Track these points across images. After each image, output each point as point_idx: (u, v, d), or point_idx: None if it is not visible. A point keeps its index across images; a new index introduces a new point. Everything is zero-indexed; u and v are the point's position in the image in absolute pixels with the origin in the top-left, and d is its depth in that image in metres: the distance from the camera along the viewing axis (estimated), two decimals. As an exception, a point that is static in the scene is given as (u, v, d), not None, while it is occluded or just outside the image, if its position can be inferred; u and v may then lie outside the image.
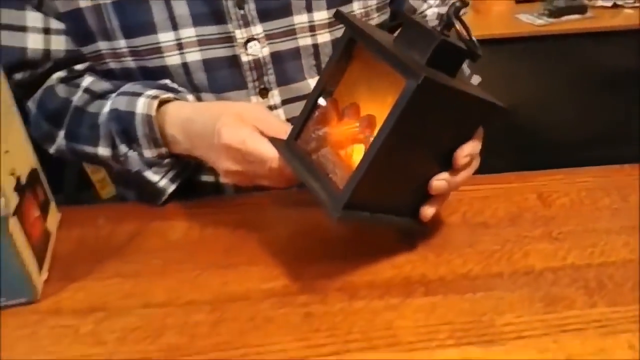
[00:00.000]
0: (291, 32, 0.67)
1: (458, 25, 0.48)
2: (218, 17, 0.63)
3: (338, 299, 0.52)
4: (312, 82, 0.69)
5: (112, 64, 0.66)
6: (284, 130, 0.55)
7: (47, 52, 0.65)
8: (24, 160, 0.57)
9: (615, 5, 1.90)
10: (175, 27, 0.63)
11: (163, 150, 0.63)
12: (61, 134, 0.68)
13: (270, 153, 0.53)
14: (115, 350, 0.48)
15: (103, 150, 0.66)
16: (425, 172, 0.52)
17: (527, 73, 1.69)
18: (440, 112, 0.48)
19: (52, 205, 0.64)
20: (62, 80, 0.68)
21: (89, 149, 0.67)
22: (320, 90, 0.53)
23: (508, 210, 0.63)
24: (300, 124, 0.54)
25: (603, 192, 0.66)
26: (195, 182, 0.70)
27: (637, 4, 1.88)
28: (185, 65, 0.64)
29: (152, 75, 0.65)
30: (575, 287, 0.52)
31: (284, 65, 0.68)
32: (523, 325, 0.48)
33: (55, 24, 0.65)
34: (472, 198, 0.65)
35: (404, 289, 0.53)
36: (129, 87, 0.65)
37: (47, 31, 0.64)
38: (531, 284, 0.53)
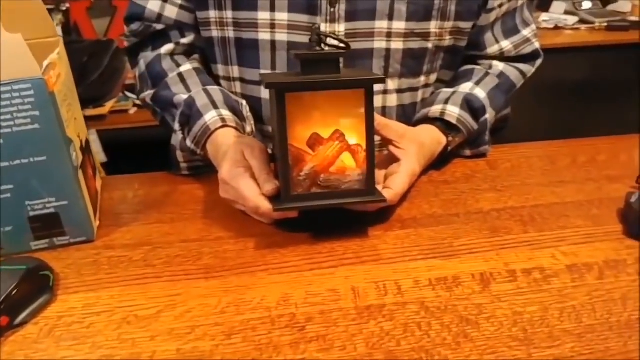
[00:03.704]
0: (369, 34, 0.74)
1: (330, 40, 0.60)
2: (311, 9, 0.73)
3: (335, 231, 0.63)
4: None
5: (214, 32, 0.78)
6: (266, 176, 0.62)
7: (159, 16, 0.80)
8: (83, 129, 0.69)
9: (557, 27, 2.09)
10: (273, 9, 0.73)
11: (198, 150, 0.73)
12: (151, 92, 0.81)
13: (248, 194, 0.61)
14: (163, 271, 0.59)
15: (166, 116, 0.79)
16: None
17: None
18: None
19: (98, 171, 0.75)
20: (169, 54, 0.82)
21: (158, 110, 0.81)
22: (285, 144, 0.58)
23: (464, 173, 0.77)
24: (286, 179, 0.59)
25: (537, 159, 0.80)
26: None
27: (575, 26, 2.08)
28: (273, 42, 0.75)
29: (245, 46, 0.77)
30: (513, 221, 0.65)
31: (356, 62, 0.75)
32: (473, 245, 0.61)
33: None
34: (436, 164, 0.78)
35: (385, 225, 0.65)
36: (214, 91, 0.75)
37: (165, 0, 0.80)
38: (480, 219, 0.66)
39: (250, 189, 0.61)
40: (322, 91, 0.58)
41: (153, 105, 0.82)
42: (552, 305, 0.51)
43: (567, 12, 2.18)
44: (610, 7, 2.25)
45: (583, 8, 2.19)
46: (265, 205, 0.60)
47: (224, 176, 0.64)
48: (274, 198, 0.61)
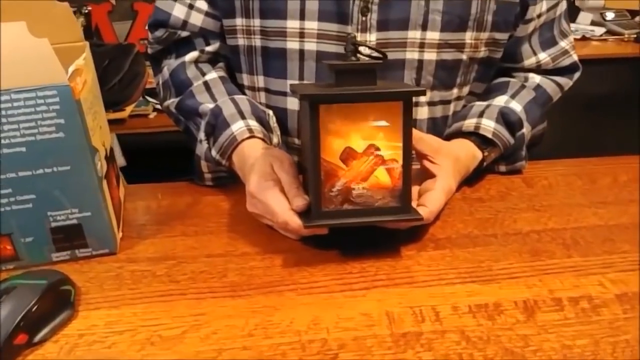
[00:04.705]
0: (402, 45, 0.72)
1: (365, 50, 0.57)
2: (341, 18, 0.70)
3: (365, 249, 0.60)
4: None
5: (241, 41, 0.76)
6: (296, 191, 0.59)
7: (185, 23, 0.77)
8: (108, 137, 0.66)
9: (584, 38, 2.04)
10: (302, 17, 0.71)
11: (223, 161, 0.71)
12: (175, 100, 0.78)
13: (277, 208, 0.58)
14: (188, 287, 0.56)
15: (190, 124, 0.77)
16: None
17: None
18: None
19: (121, 180, 0.72)
20: (193, 62, 0.79)
21: (182, 118, 0.79)
22: (317, 158, 0.55)
23: (498, 190, 0.73)
24: (317, 194, 0.56)
25: (576, 177, 0.76)
26: None
27: (602, 37, 2.03)
28: (301, 51, 0.72)
29: (271, 55, 0.74)
30: (555, 244, 0.61)
31: (386, 73, 0.71)
32: (514, 269, 0.57)
33: (199, 4, 0.77)
34: (469, 180, 0.74)
35: (417, 244, 0.62)
36: (241, 100, 0.73)
37: (191, 7, 0.77)
38: (519, 241, 0.62)
39: (279, 203, 0.59)
40: (357, 103, 0.56)
41: (177, 114, 0.79)
42: (604, 338, 0.48)
43: (593, 23, 2.13)
44: (639, 18, 2.19)
45: (608, 19, 2.14)
46: (295, 221, 0.57)
47: (252, 189, 0.61)
48: (303, 214, 0.58)
